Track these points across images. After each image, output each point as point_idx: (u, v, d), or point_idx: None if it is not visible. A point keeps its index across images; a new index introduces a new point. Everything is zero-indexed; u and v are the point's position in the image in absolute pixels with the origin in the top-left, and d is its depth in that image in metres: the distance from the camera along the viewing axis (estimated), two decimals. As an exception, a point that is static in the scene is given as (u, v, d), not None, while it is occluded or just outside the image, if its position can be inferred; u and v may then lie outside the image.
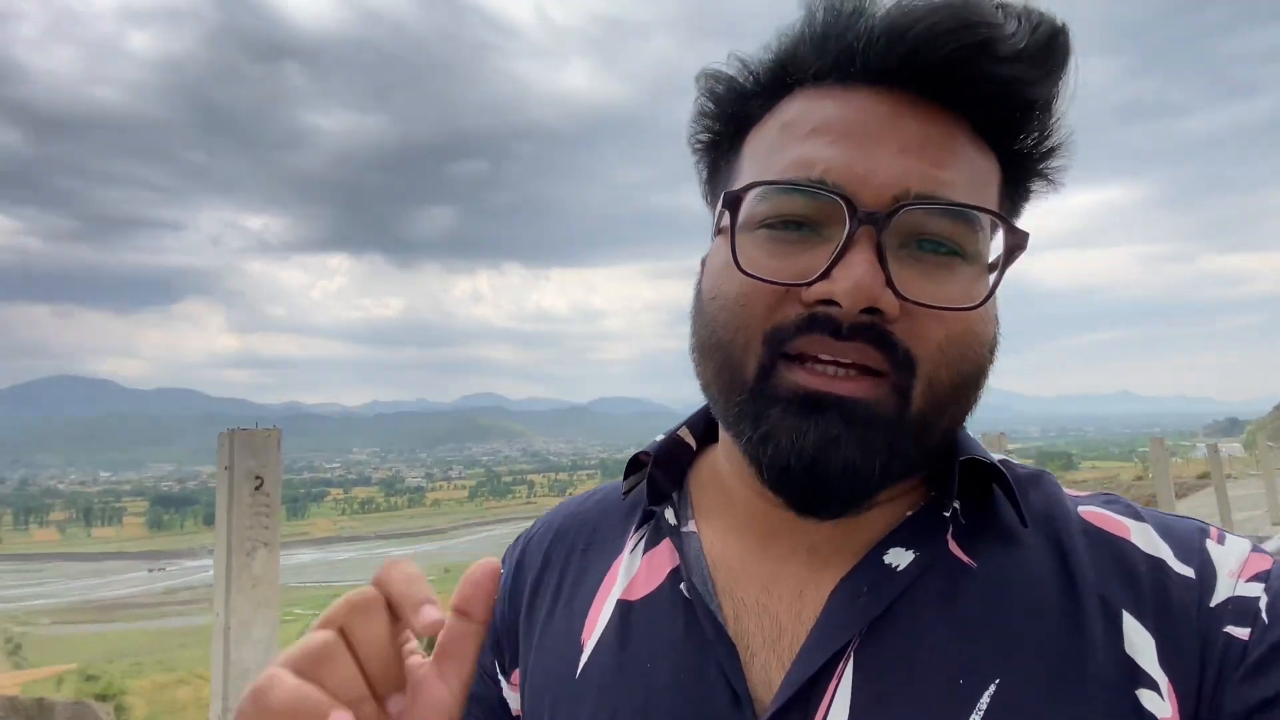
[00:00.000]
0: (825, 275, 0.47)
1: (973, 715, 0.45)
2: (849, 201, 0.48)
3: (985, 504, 0.55)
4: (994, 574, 0.51)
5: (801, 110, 0.52)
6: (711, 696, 0.50)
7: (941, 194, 0.49)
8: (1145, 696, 0.45)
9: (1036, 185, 0.57)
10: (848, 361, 0.48)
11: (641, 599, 0.58)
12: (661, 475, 0.62)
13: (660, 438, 0.65)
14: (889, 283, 0.47)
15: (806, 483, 0.49)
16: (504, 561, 0.69)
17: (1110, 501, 0.56)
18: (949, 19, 0.48)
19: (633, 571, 0.60)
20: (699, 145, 0.61)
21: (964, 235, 0.50)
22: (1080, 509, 0.55)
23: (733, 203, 0.52)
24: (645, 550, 0.61)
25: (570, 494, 0.79)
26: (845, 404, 0.48)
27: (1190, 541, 0.51)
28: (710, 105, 0.58)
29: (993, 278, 0.52)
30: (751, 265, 0.50)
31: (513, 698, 0.65)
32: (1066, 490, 0.58)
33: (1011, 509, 0.54)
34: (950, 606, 0.49)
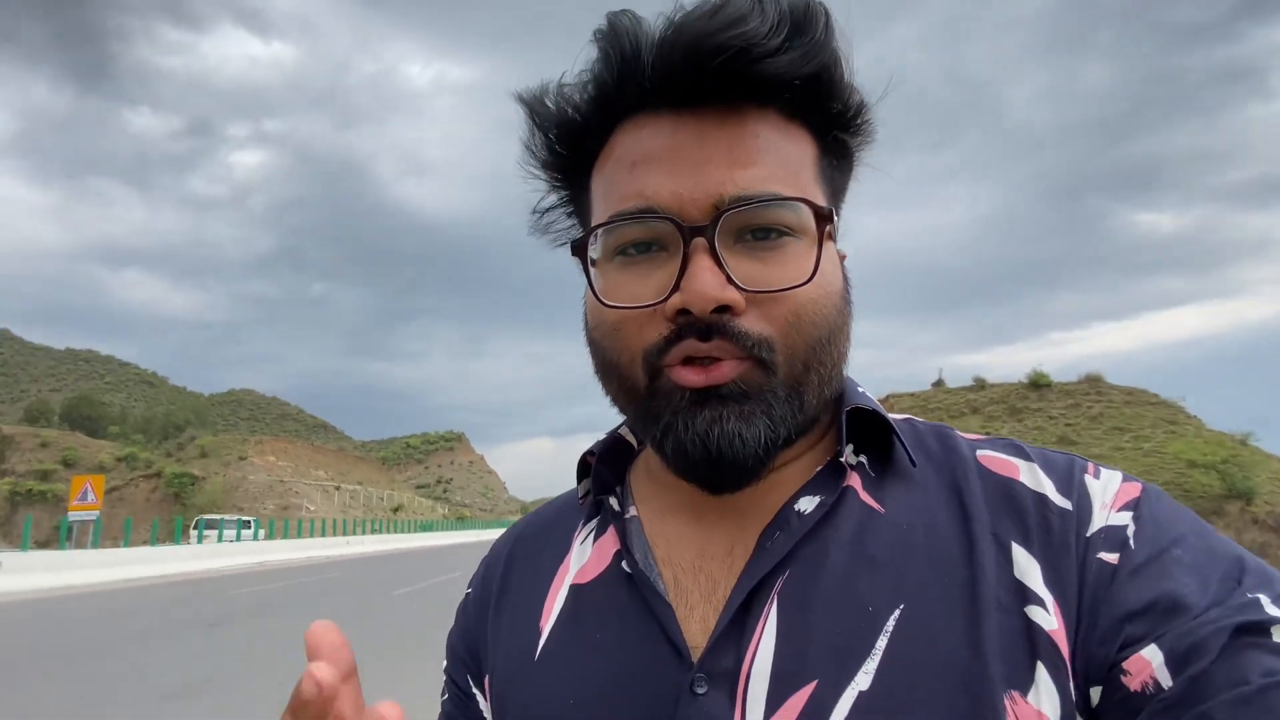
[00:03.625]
0: (676, 289, 0.53)
1: (881, 637, 0.51)
2: (676, 222, 0.53)
3: (889, 454, 0.61)
4: (899, 517, 0.57)
5: (625, 145, 0.58)
6: (654, 653, 0.55)
7: (752, 191, 0.53)
8: (1034, 612, 0.50)
9: (855, 143, 0.61)
10: (717, 356, 0.53)
11: (591, 581, 0.63)
12: (605, 471, 0.68)
13: (602, 437, 0.70)
14: (730, 280, 0.52)
15: (706, 464, 0.54)
16: (472, 579, 0.76)
17: (1006, 445, 0.61)
18: (704, 37, 0.52)
19: (584, 559, 0.65)
20: (556, 181, 0.65)
21: (785, 217, 0.55)
22: (978, 453, 0.60)
23: (581, 250, 0.59)
24: (595, 539, 0.66)
25: None
26: (720, 389, 0.53)
27: (1069, 476, 0.56)
28: (549, 149, 0.62)
29: (818, 249, 0.55)
30: (613, 295, 0.56)
31: (488, 707, 0.67)
32: (966, 436, 0.63)
33: (908, 456, 0.61)
34: (860, 545, 0.55)
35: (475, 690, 0.69)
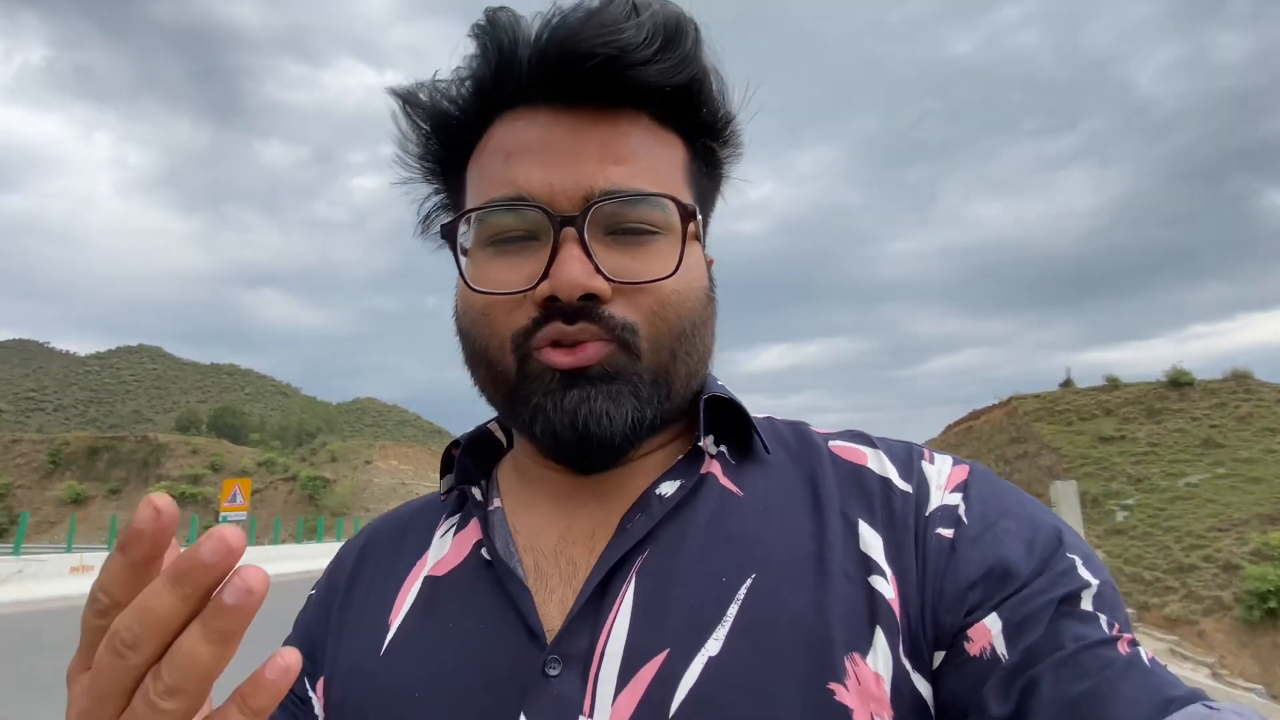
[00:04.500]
0: (545, 276, 0.55)
1: (732, 605, 0.53)
2: (547, 212, 0.55)
3: (748, 444, 0.64)
4: (756, 499, 0.59)
5: (501, 136, 0.60)
6: (509, 638, 0.55)
7: (622, 187, 0.56)
8: (876, 581, 0.54)
9: (724, 153, 0.65)
10: (583, 339, 0.55)
11: (447, 572, 0.62)
12: (470, 464, 0.68)
13: (472, 430, 0.70)
14: (597, 270, 0.54)
15: (575, 443, 0.56)
16: (316, 583, 0.73)
17: (854, 436, 0.65)
18: (580, 40, 0.55)
19: (443, 551, 0.64)
20: (432, 175, 0.66)
21: (652, 215, 0.57)
22: (830, 444, 0.64)
23: (450, 233, 0.60)
24: (456, 533, 0.65)
25: None
26: (589, 370, 0.55)
27: (910, 463, 0.61)
28: (424, 141, 0.64)
29: (682, 246, 0.58)
30: (483, 281, 0.58)
31: (321, 710, 0.63)
32: (819, 429, 0.67)
33: (768, 445, 0.64)
34: (718, 525, 0.57)
35: (311, 694, 0.65)
